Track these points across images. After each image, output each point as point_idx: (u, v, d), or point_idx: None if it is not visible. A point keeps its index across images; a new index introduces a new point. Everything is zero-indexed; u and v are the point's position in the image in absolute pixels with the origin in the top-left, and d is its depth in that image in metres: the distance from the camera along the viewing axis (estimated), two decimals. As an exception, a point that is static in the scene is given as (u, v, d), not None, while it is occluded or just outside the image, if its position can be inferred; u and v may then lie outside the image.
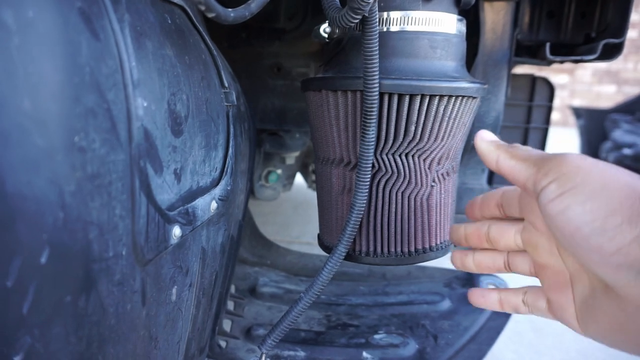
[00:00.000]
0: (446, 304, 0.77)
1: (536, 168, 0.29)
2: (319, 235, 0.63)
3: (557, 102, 4.95)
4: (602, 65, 5.00)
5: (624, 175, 0.26)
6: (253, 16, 0.42)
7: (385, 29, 0.51)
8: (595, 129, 2.76)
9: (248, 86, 0.85)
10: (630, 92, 4.70)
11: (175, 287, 0.42)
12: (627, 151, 2.32)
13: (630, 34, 4.88)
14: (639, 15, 4.86)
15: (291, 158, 0.95)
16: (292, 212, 2.03)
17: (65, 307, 0.27)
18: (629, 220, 0.24)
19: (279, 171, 0.96)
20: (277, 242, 1.08)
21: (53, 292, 0.26)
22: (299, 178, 1.52)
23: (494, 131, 0.72)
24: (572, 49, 0.74)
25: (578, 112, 2.90)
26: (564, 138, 3.33)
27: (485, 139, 0.38)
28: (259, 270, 0.89)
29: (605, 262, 0.24)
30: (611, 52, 0.61)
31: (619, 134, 2.50)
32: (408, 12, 0.50)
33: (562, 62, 0.76)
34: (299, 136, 0.90)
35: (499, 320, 0.72)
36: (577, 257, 0.26)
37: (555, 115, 4.95)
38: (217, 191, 0.46)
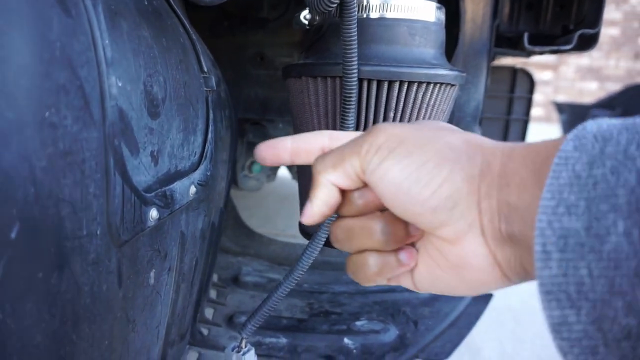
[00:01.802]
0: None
1: (356, 156, 0.28)
2: (300, 222, 0.63)
3: (540, 98, 5.01)
4: (584, 62, 5.08)
5: (446, 135, 0.27)
6: (237, 4, 0.42)
7: (365, 16, 0.51)
8: (577, 124, 2.81)
9: (231, 76, 0.85)
10: (611, 88, 4.78)
11: (154, 270, 0.42)
12: (607, 145, 2.36)
13: (612, 31, 4.95)
14: (620, 13, 4.93)
15: (274, 148, 0.95)
16: (278, 204, 2.03)
17: (38, 283, 0.27)
18: (438, 164, 0.26)
19: (263, 161, 0.96)
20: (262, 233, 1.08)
21: (24, 268, 0.26)
22: (284, 170, 1.52)
23: (474, 120, 0.73)
24: (550, 40, 0.75)
25: (561, 108, 2.94)
26: (547, 133, 3.38)
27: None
28: (242, 259, 0.90)
29: (425, 209, 0.26)
30: (587, 42, 0.62)
31: (600, 129, 2.54)
32: (388, -1, 0.51)
33: (541, 52, 0.77)
34: (282, 126, 0.90)
35: (479, 306, 0.74)
36: (405, 216, 0.27)
37: (539, 111, 5.01)
38: (196, 176, 0.46)
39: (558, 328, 0.20)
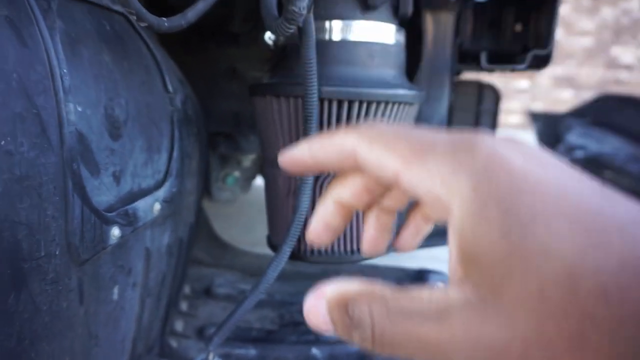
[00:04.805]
0: (395, 301, 0.80)
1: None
2: (268, 235, 0.65)
3: (517, 105, 5.12)
4: (560, 71, 5.21)
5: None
6: (208, 19, 0.44)
7: (327, 38, 0.53)
8: (551, 133, 2.89)
9: (203, 89, 0.86)
10: (586, 96, 4.91)
11: (117, 286, 0.43)
12: (578, 153, 2.43)
13: (585, 41, 5.10)
14: (593, 23, 5.08)
15: (247, 160, 0.97)
16: (257, 214, 2.04)
17: (-7, 304, 0.28)
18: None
19: (236, 173, 0.98)
20: (241, 243, 1.09)
21: (-21, 290, 0.27)
22: (261, 181, 1.53)
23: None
24: (510, 59, 0.78)
25: (535, 117, 3.02)
26: (523, 140, 3.46)
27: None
28: (215, 271, 0.90)
29: None
30: (541, 62, 0.66)
31: (572, 137, 2.62)
32: (348, 21, 0.53)
33: (502, 70, 0.81)
34: (254, 139, 0.91)
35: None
36: None
37: (515, 119, 5.11)
38: (161, 193, 0.48)
39: None
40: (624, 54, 5.16)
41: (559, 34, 4.82)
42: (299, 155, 0.26)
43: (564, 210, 0.17)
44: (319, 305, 0.22)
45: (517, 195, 0.18)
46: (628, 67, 5.21)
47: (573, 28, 5.02)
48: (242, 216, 1.97)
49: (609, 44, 5.19)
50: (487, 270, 0.18)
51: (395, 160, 0.21)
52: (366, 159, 0.23)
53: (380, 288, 0.21)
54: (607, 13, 5.14)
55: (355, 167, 0.24)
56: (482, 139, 0.20)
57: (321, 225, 0.27)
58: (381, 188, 0.26)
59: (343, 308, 0.21)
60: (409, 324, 0.19)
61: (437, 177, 0.20)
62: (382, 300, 0.20)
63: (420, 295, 0.19)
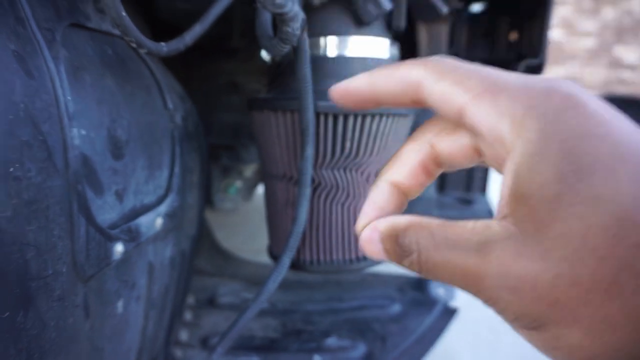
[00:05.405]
0: (396, 308, 0.81)
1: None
2: (268, 246, 0.66)
3: (520, 108, 5.13)
4: (563, 72, 5.21)
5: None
6: (207, 35, 0.45)
7: (321, 54, 0.55)
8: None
9: (204, 102, 0.88)
10: (588, 98, 4.89)
11: (121, 300, 0.45)
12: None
13: (587, 42, 5.10)
14: (595, 24, 5.08)
15: (249, 170, 0.98)
16: (260, 222, 2.05)
17: (4, 322, 0.29)
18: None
19: (238, 183, 0.99)
20: (244, 251, 1.11)
21: (-10, 309, 0.28)
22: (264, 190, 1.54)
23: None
24: (506, 66, 0.79)
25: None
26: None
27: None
28: (219, 281, 0.92)
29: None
30: (534, 70, 0.67)
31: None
32: (342, 37, 0.55)
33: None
34: (254, 149, 0.93)
35: (444, 321, 0.77)
36: None
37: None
38: (163, 208, 0.49)
39: None
40: (627, 53, 5.16)
41: (561, 35, 4.83)
42: (356, 85, 0.26)
43: (629, 159, 0.17)
44: (373, 237, 0.24)
45: (584, 139, 0.18)
46: (631, 67, 5.20)
47: (575, 29, 5.02)
48: (245, 225, 1.99)
49: (612, 44, 5.19)
50: (534, 207, 0.18)
51: (464, 95, 0.21)
52: (432, 92, 0.23)
53: (427, 220, 0.22)
54: (609, 13, 5.14)
55: (414, 100, 0.24)
56: (560, 83, 0.20)
57: (374, 210, 0.26)
58: (438, 159, 0.25)
59: (394, 239, 0.23)
60: (451, 254, 0.21)
61: (507, 117, 0.20)
62: (428, 230, 0.22)
63: (465, 226, 0.21)
